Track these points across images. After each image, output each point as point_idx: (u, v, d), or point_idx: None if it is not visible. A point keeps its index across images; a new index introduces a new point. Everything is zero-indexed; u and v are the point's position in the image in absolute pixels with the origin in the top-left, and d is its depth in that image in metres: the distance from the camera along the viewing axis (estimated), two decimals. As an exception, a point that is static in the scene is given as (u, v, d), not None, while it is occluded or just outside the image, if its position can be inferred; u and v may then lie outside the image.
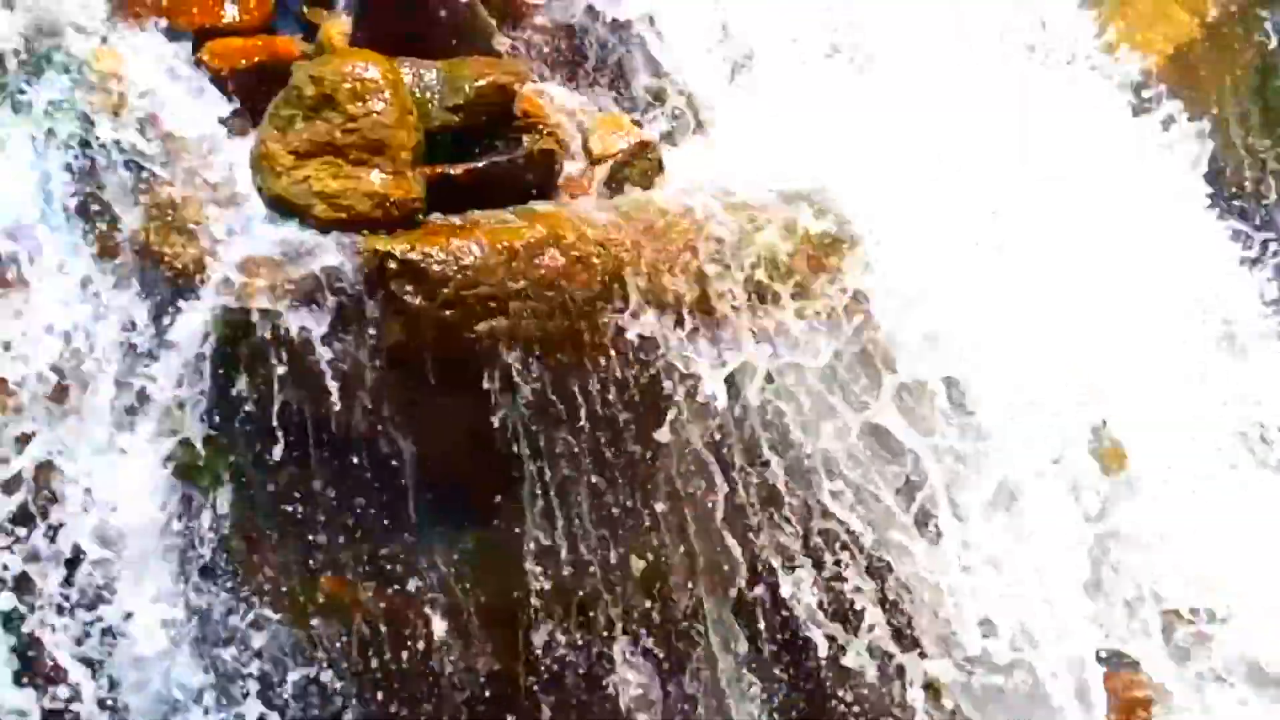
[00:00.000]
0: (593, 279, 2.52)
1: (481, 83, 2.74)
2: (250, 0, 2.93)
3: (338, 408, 2.44)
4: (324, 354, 2.42)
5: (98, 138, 2.63)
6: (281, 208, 2.54)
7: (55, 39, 2.70)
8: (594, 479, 2.56)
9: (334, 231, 2.50)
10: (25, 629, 2.46)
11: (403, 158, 2.56)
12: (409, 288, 2.43)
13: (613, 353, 2.53)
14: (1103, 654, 2.74)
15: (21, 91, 2.67)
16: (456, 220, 2.59)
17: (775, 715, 2.72)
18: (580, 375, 2.51)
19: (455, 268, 2.45)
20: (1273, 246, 3.55)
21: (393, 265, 2.43)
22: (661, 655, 2.70)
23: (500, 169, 2.74)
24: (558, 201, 2.77)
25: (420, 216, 2.57)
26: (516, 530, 2.56)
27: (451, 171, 2.68)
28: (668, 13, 3.15)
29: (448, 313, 2.43)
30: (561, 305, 2.50)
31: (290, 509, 2.52)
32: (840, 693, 2.69)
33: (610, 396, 2.54)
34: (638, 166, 2.87)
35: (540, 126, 2.85)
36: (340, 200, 2.51)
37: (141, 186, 2.62)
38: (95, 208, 2.62)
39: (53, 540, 2.47)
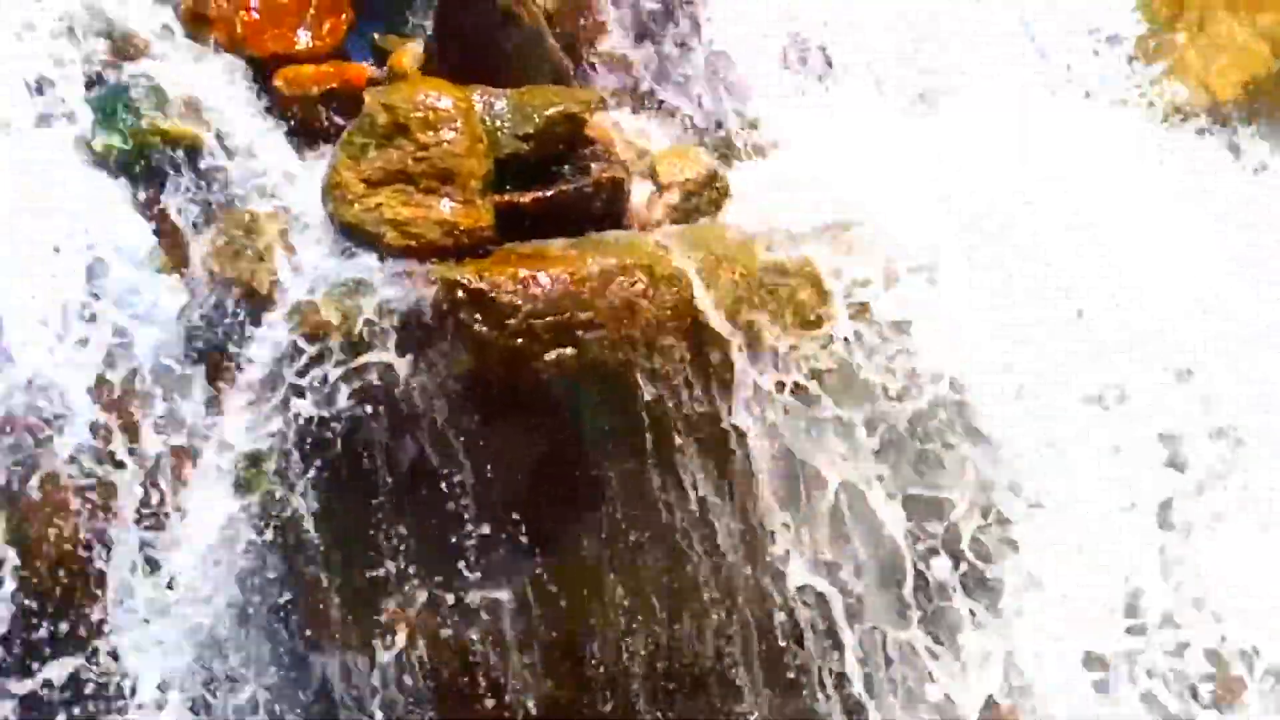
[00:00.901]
0: (661, 309, 2.51)
1: (551, 111, 2.74)
2: (323, 27, 2.96)
3: (405, 435, 2.45)
4: (392, 381, 2.43)
5: (172, 161, 2.66)
6: (353, 234, 2.55)
7: (132, 63, 2.74)
8: (661, 510, 2.55)
9: (404, 259, 2.51)
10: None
11: (473, 186, 2.57)
12: (478, 316, 2.43)
13: (681, 383, 2.52)
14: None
15: (96, 113, 2.70)
16: (525, 248, 2.59)
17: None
18: (649, 405, 2.50)
19: (524, 297, 2.45)
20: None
21: (462, 294, 2.43)
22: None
23: (569, 197, 2.74)
24: (626, 229, 2.76)
25: (490, 244, 2.58)
26: (582, 560, 2.55)
27: (520, 200, 2.68)
28: (737, 39, 3.15)
29: (516, 341, 2.43)
30: (629, 335, 2.49)
31: (356, 534, 2.52)
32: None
33: (679, 426, 2.53)
34: (705, 195, 2.86)
35: (608, 154, 2.85)
36: (411, 228, 2.52)
37: (214, 211, 2.64)
38: (168, 229, 2.65)
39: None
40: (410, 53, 2.97)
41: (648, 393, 2.50)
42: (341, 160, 2.59)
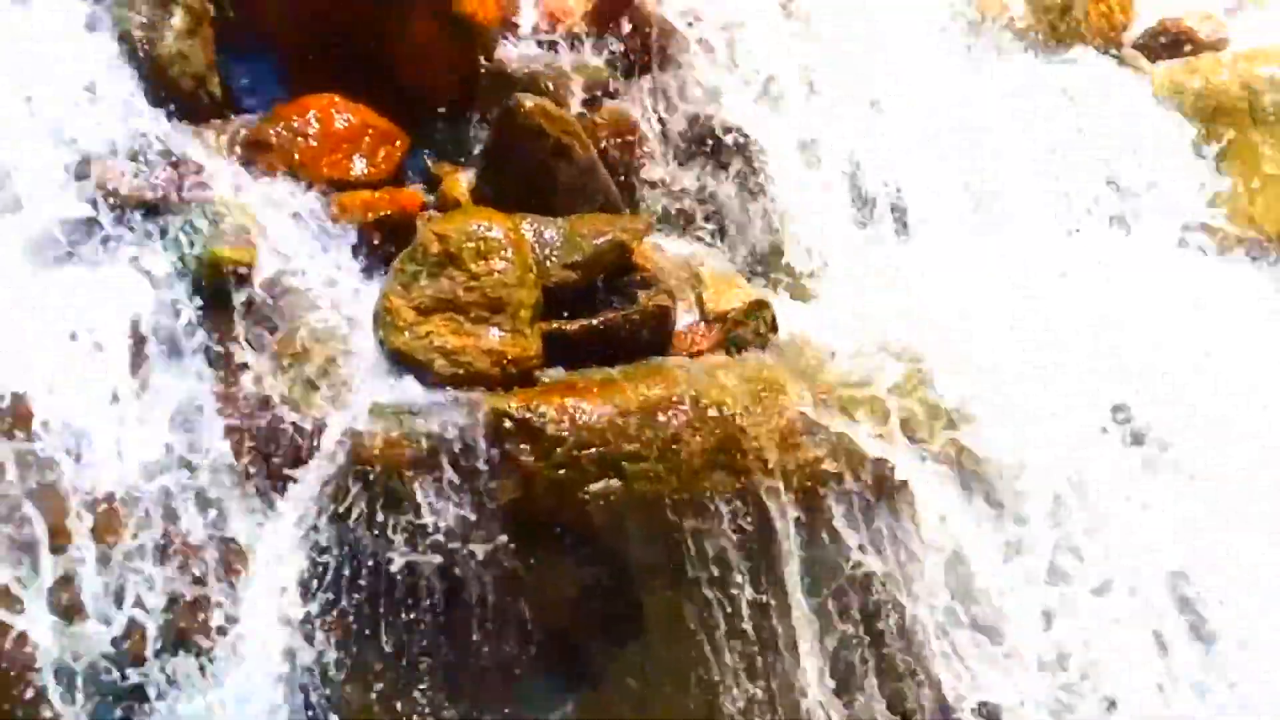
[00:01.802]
0: (707, 441, 2.52)
1: (600, 241, 2.78)
2: (378, 154, 3.02)
3: (449, 563, 2.45)
4: (439, 510, 2.43)
5: (227, 284, 2.70)
6: (402, 362, 2.58)
7: (191, 189, 2.80)
8: (704, 643, 2.53)
9: (452, 387, 2.53)
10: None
11: (522, 316, 2.60)
12: (524, 447, 2.44)
13: (727, 516, 2.51)
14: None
15: (154, 235, 2.75)
16: (572, 378, 2.62)
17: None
18: (693, 538, 2.49)
19: (570, 428, 2.46)
20: None
21: (509, 424, 2.45)
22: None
23: (615, 325, 2.76)
24: (672, 359, 2.78)
25: (537, 373, 2.60)
26: (624, 692, 2.53)
27: (568, 328, 2.71)
28: (788, 169, 3.19)
29: (562, 473, 2.44)
30: (675, 468, 2.49)
31: (397, 662, 2.51)
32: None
33: (726, 558, 2.52)
34: (751, 326, 2.87)
35: (655, 281, 2.88)
36: (460, 357, 2.55)
37: (268, 335, 2.68)
38: (221, 353, 2.68)
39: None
40: (462, 180, 3.03)
41: (691, 526, 2.49)
42: (393, 287, 2.62)
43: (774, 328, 2.90)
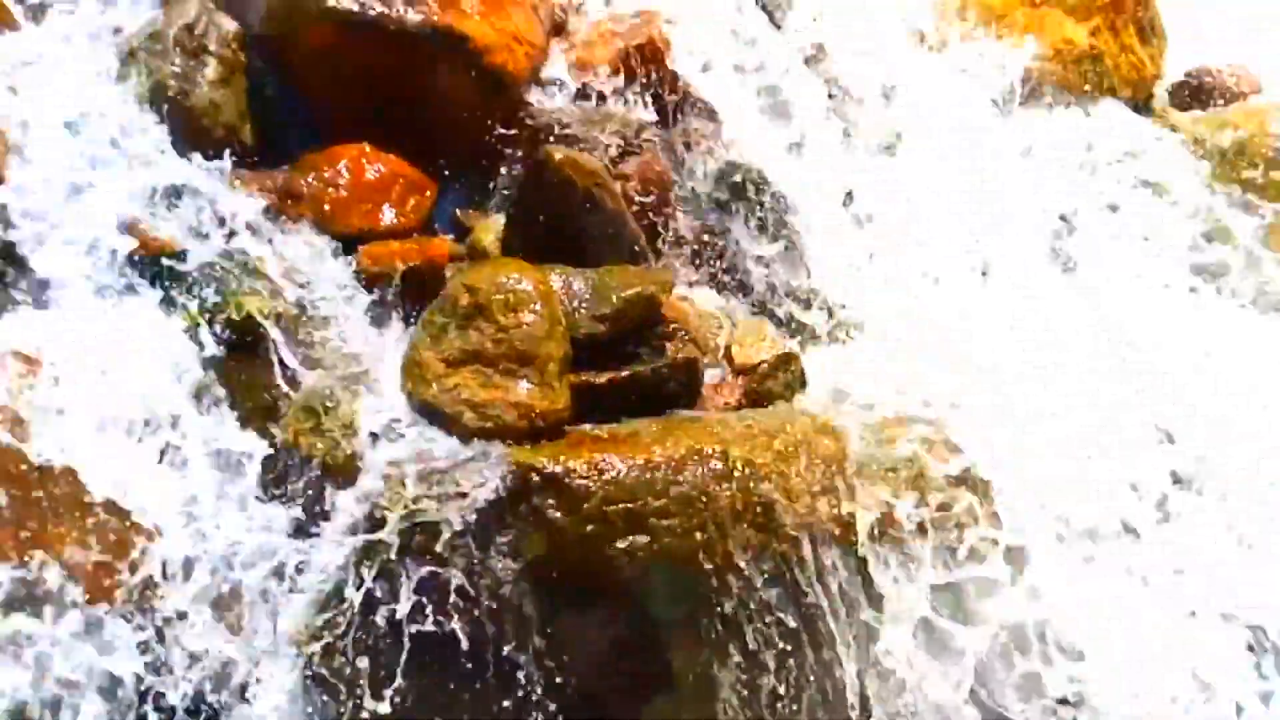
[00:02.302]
0: (736, 496, 2.50)
1: (629, 293, 2.77)
2: (407, 204, 3.03)
3: (475, 618, 2.43)
4: (464, 565, 2.42)
5: (255, 334, 2.70)
6: (430, 414, 2.57)
7: (220, 237, 2.81)
8: (733, 700, 2.50)
9: (480, 440, 2.52)
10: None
11: (550, 369, 2.59)
12: (551, 502, 2.43)
13: (755, 571, 2.49)
14: None
15: (182, 283, 2.75)
16: (600, 431, 2.60)
17: None
18: (721, 594, 2.47)
19: (598, 482, 2.44)
20: None
21: (536, 478, 2.43)
22: None
23: (643, 377, 2.75)
24: (700, 411, 2.77)
25: (565, 427, 2.59)
26: (651, 748, 2.50)
27: (596, 380, 2.70)
28: (816, 219, 3.18)
29: (589, 528, 2.43)
30: (704, 523, 2.47)
31: (423, 717, 2.49)
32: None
33: (751, 616, 2.49)
34: (780, 377, 2.86)
35: (683, 333, 2.87)
36: (488, 410, 2.54)
37: (295, 385, 2.68)
38: (249, 405, 2.68)
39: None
40: (491, 230, 3.02)
41: (720, 582, 2.47)
42: (422, 339, 2.62)
43: (802, 380, 2.89)
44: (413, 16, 3.04)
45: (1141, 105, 3.64)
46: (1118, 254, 3.34)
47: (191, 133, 2.99)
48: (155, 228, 2.79)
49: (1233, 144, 3.59)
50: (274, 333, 2.70)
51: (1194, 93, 3.73)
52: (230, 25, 3.13)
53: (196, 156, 2.94)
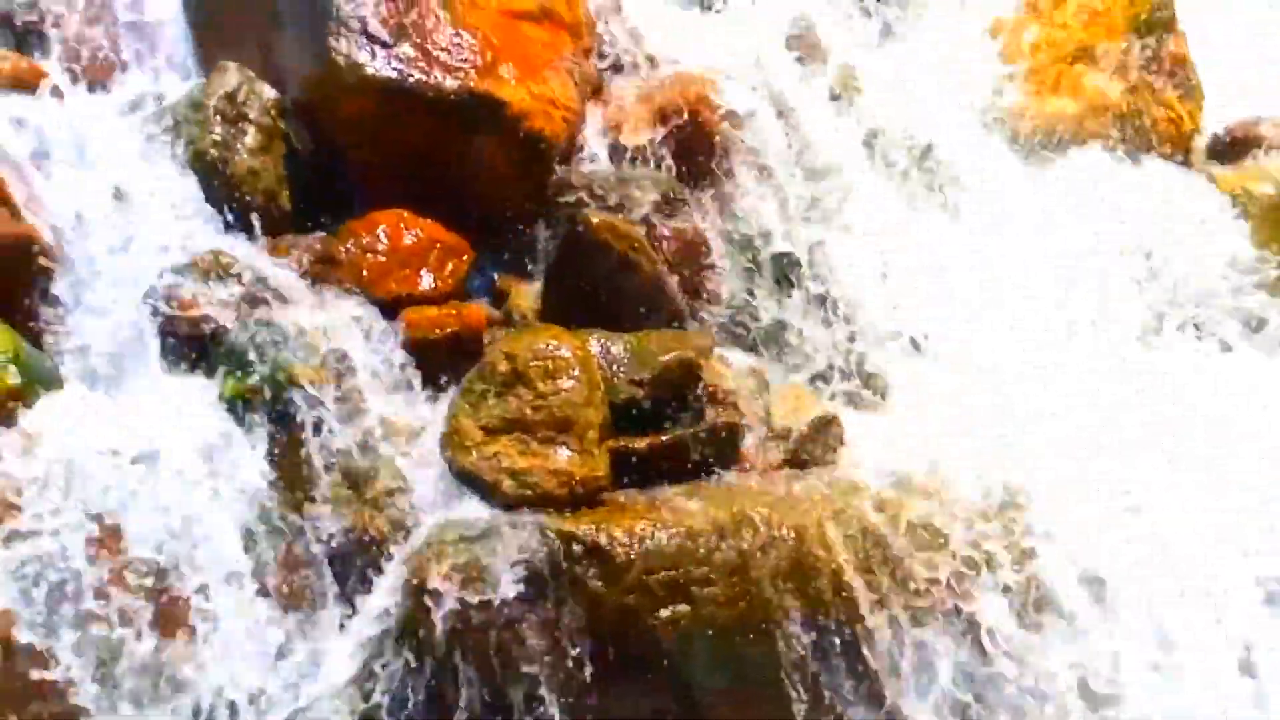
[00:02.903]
0: (779, 564, 2.47)
1: (667, 357, 2.76)
2: (445, 269, 3.03)
3: (516, 689, 2.41)
4: (505, 635, 2.40)
5: (295, 404, 2.70)
6: (469, 482, 2.57)
7: (261, 308, 2.82)
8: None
9: (519, 508, 2.51)
10: None
11: (590, 436, 2.58)
12: (592, 571, 2.41)
13: (798, 640, 2.46)
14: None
15: (226, 359, 2.76)
16: (640, 498, 2.59)
17: None
18: (766, 663, 2.44)
19: (638, 552, 2.43)
20: None
21: (577, 548, 2.42)
22: None
23: (683, 442, 2.74)
24: (741, 476, 2.75)
25: (605, 493, 2.58)
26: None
27: (635, 445, 2.69)
28: (853, 280, 3.17)
29: (630, 598, 2.41)
30: (745, 592, 2.45)
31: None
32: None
33: (796, 682, 2.46)
34: (820, 441, 2.84)
35: (722, 397, 2.86)
36: (527, 478, 2.53)
37: (335, 454, 2.67)
38: (289, 472, 2.68)
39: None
40: (528, 294, 3.03)
41: (763, 650, 2.44)
42: (461, 407, 2.62)
43: (842, 442, 2.86)
44: (450, 83, 3.05)
45: (1180, 160, 3.61)
46: (1160, 310, 3.30)
47: (231, 200, 3.01)
48: (196, 297, 2.80)
49: (1276, 196, 3.56)
50: (313, 400, 2.69)
51: (1233, 146, 3.70)
52: (270, 93, 3.16)
53: (236, 224, 2.97)
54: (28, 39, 3.58)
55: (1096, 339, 3.24)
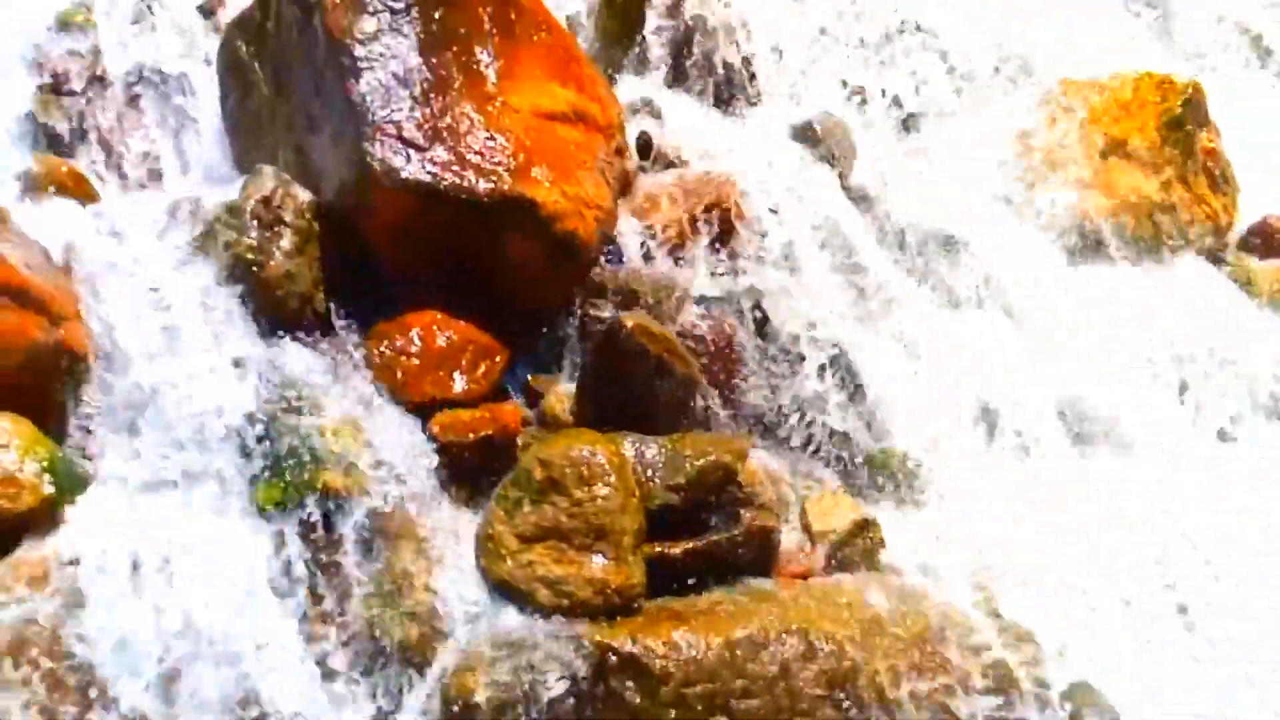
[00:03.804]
0: (819, 675, 2.43)
1: (703, 462, 2.74)
2: (478, 370, 3.03)
3: (553, 803, 2.37)
4: (542, 749, 2.36)
5: (327, 512, 2.69)
6: (505, 591, 2.54)
7: (296, 416, 2.81)
8: None
9: (555, 617, 2.48)
10: None
11: (625, 543, 2.55)
12: (630, 684, 2.37)
13: (839, 755, 2.41)
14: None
15: (261, 466, 2.75)
16: (677, 605, 2.56)
17: None
18: (806, 778, 2.39)
19: (676, 663, 2.39)
20: None
21: (614, 659, 2.38)
22: None
23: (719, 547, 2.71)
24: (779, 582, 2.71)
25: (641, 601, 2.54)
26: None
27: (671, 551, 2.66)
28: (889, 377, 3.14)
29: (670, 713, 2.36)
30: (785, 704, 2.40)
31: None
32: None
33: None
34: (858, 544, 2.80)
35: (758, 500, 2.82)
36: (563, 586, 2.50)
37: (372, 561, 2.65)
38: (324, 581, 2.65)
39: None
40: (562, 395, 3.02)
41: (806, 763, 2.39)
42: (496, 514, 2.60)
43: (881, 545, 2.82)
44: (483, 185, 3.07)
45: (1215, 254, 3.59)
46: (1201, 410, 3.26)
47: (267, 303, 3.02)
48: (232, 403, 2.80)
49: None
50: (345, 508, 2.68)
51: (1268, 240, 3.68)
52: (305, 196, 3.18)
53: (272, 328, 2.98)
54: (67, 142, 3.64)
55: (1138, 442, 3.19)
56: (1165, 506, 2.88)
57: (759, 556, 2.75)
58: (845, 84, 3.95)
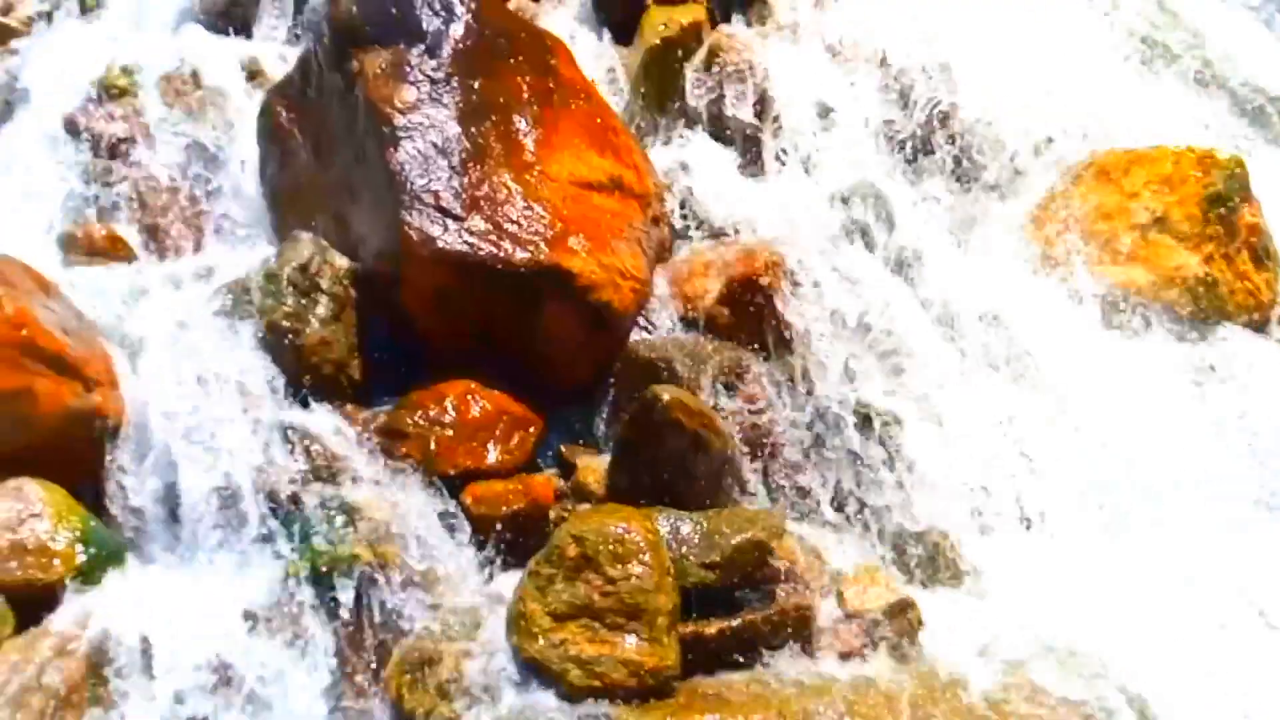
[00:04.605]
0: (857, 765, 2.38)
1: (739, 539, 2.70)
2: (511, 440, 3.01)
3: None
4: (572, 836, 2.31)
5: (358, 585, 2.66)
6: (536, 670, 2.49)
7: (329, 485, 2.80)
8: None
9: (587, 699, 2.44)
10: None
11: (659, 623, 2.51)
12: (663, 770, 2.33)
13: (877, 846, 2.35)
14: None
15: (291, 535, 2.73)
16: (710, 688, 2.51)
17: None
18: None
19: (711, 750, 2.34)
20: None
21: (648, 748, 2.34)
22: None
23: (755, 626, 2.66)
24: (816, 663, 2.65)
25: (675, 683, 2.50)
26: None
27: (706, 630, 2.62)
28: (920, 460, 3.09)
29: (706, 801, 2.32)
30: (822, 795, 2.35)
31: None
32: None
33: None
34: (896, 624, 2.74)
35: (794, 577, 2.78)
36: (595, 667, 2.46)
37: (402, 636, 2.62)
38: (353, 654, 2.63)
39: None
40: (596, 467, 2.98)
41: None
42: (528, 590, 2.56)
43: (920, 625, 2.77)
44: (520, 255, 3.06)
45: (1258, 330, 3.54)
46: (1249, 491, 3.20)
47: (302, 370, 3.02)
48: (264, 471, 2.79)
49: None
50: (376, 582, 2.65)
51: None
52: (342, 262, 3.19)
53: (306, 395, 2.97)
54: (107, 206, 3.67)
55: (1176, 515, 3.13)
56: (1212, 579, 2.81)
57: (796, 636, 2.70)
58: (883, 151, 3.94)
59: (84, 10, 4.43)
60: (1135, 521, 3.12)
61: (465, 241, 3.05)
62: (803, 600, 2.73)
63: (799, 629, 2.71)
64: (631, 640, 2.49)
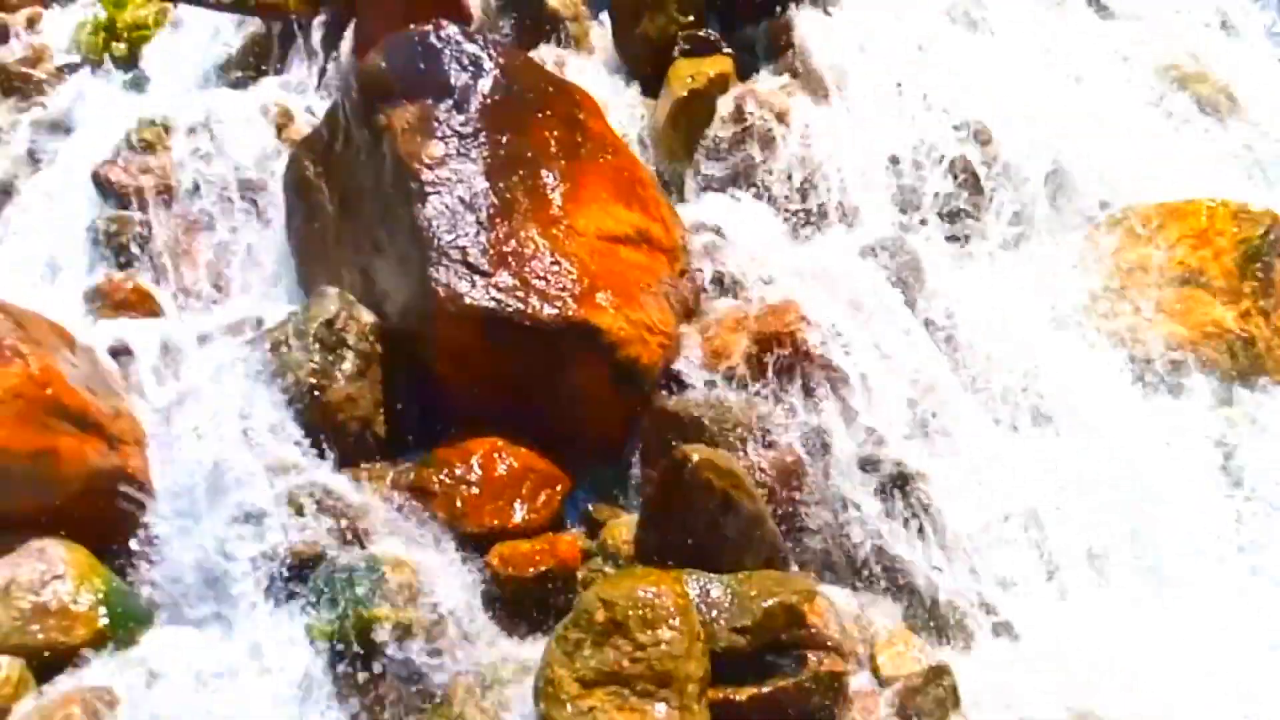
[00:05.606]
0: (891, 842, 2.31)
1: (770, 603, 2.65)
2: (538, 499, 2.97)
3: None
4: None
5: (381, 648, 2.62)
6: (563, 739, 2.45)
7: (353, 547, 2.76)
8: None
9: (616, 773, 2.39)
10: None
11: (689, 690, 2.46)
12: (694, 846, 2.27)
13: None
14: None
15: (317, 593, 2.69)
16: (743, 760, 2.45)
17: None
18: None
19: (744, 826, 2.28)
20: None
21: (678, 821, 2.28)
22: None
23: (787, 693, 2.61)
24: (845, 725, 2.61)
25: (706, 752, 2.45)
26: None
27: (737, 697, 2.57)
28: (954, 518, 3.04)
29: None
30: None
31: None
32: None
33: None
34: (931, 693, 2.69)
35: (826, 641, 2.73)
36: (625, 737, 2.41)
37: (426, 700, 2.58)
38: (379, 714, 2.58)
39: None
40: (624, 526, 2.94)
41: None
42: (555, 655, 2.51)
43: (956, 697, 2.70)
44: (548, 311, 3.04)
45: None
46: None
47: (328, 427, 3.00)
48: (288, 531, 2.76)
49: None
50: (399, 645, 2.61)
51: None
52: (369, 317, 3.17)
53: (331, 452, 2.94)
54: (134, 259, 3.67)
55: (1224, 576, 3.07)
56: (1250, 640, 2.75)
57: (828, 703, 2.65)
58: (912, 205, 3.90)
59: (113, 63, 4.45)
60: (1171, 578, 3.06)
61: (492, 298, 3.03)
62: (835, 666, 2.68)
63: (831, 695, 2.66)
64: (661, 708, 2.44)
